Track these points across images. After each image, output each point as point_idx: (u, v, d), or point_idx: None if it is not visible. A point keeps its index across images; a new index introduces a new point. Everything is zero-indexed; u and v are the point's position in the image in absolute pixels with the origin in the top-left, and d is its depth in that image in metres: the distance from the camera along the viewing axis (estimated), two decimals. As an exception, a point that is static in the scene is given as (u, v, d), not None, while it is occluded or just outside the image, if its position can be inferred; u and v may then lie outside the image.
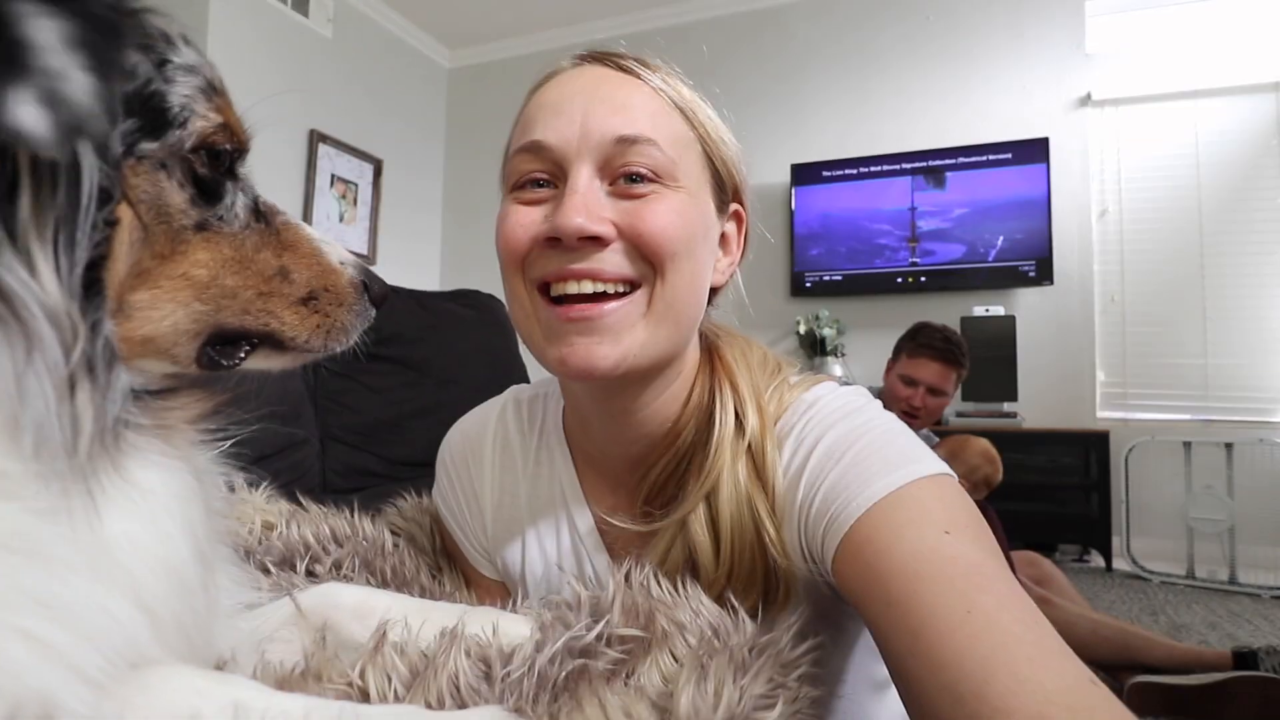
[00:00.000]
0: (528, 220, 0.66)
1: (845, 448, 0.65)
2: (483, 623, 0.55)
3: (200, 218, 0.48)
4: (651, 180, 0.66)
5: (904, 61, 4.19)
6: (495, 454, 0.87)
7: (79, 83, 0.34)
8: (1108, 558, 3.46)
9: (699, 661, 0.49)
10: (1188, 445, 3.40)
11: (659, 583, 0.60)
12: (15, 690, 0.31)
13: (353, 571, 0.76)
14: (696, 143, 0.71)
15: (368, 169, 4.78)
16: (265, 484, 0.95)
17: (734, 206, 0.76)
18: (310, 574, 0.74)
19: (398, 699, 0.46)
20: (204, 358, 0.49)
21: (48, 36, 0.33)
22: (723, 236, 0.75)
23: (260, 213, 0.53)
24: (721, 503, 0.67)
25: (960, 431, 2.93)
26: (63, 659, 0.33)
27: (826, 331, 3.98)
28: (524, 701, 0.45)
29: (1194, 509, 3.32)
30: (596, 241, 0.64)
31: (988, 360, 3.48)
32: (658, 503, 0.73)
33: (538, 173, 0.67)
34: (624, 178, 0.66)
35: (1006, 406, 3.68)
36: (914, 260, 3.98)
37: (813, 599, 0.67)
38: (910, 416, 2.40)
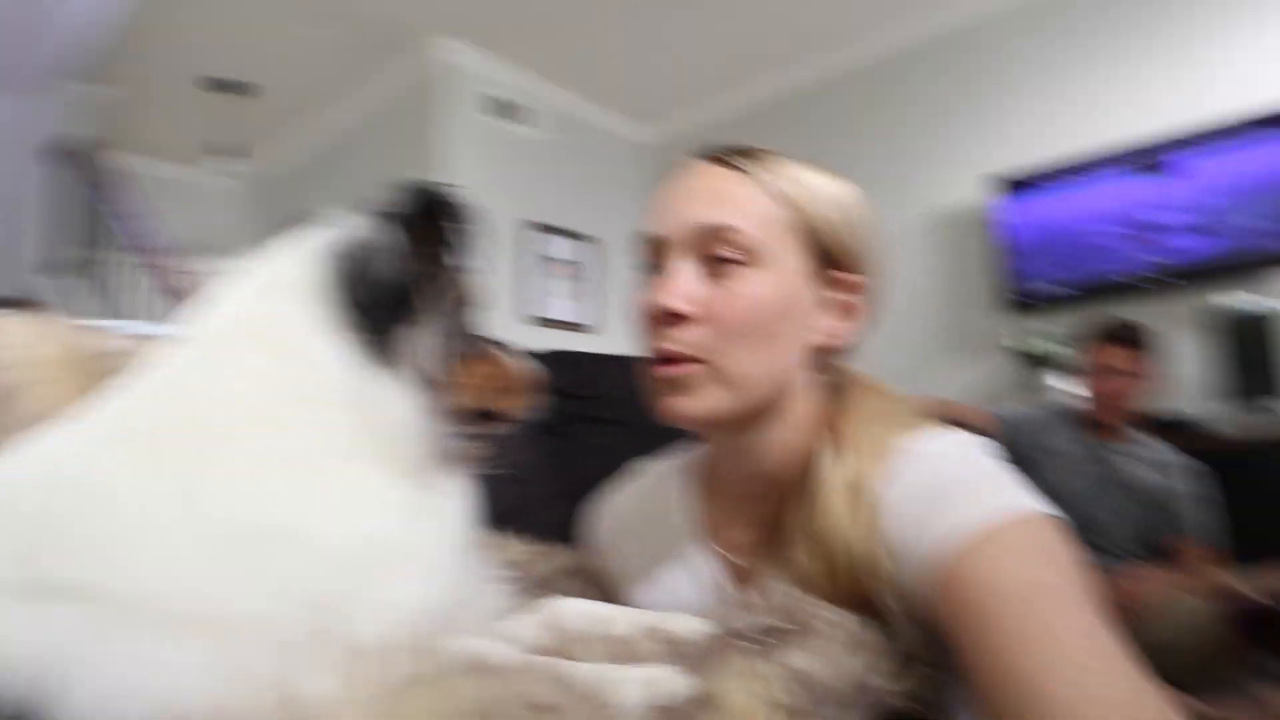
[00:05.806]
0: (644, 298, 0.80)
1: (927, 486, 0.69)
2: (669, 621, 0.73)
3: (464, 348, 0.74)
4: (736, 263, 0.75)
5: (1110, 49, 3.91)
6: (627, 532, 1.01)
7: None
8: None
9: (826, 640, 0.64)
10: None
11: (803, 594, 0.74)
12: (433, 559, 0.63)
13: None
14: (785, 220, 0.77)
15: (587, 249, 5.36)
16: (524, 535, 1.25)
17: (847, 275, 0.79)
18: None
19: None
20: (466, 420, 0.75)
21: None
22: (839, 303, 0.80)
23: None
24: (824, 534, 0.74)
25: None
26: (437, 553, 0.64)
27: (1051, 347, 3.75)
28: (688, 665, 0.62)
29: None
30: (678, 317, 0.75)
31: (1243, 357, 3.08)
32: (773, 541, 0.80)
33: (650, 259, 0.82)
34: (712, 260, 0.76)
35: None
36: (1155, 259, 3.61)
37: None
38: (1110, 402, 2.50)
